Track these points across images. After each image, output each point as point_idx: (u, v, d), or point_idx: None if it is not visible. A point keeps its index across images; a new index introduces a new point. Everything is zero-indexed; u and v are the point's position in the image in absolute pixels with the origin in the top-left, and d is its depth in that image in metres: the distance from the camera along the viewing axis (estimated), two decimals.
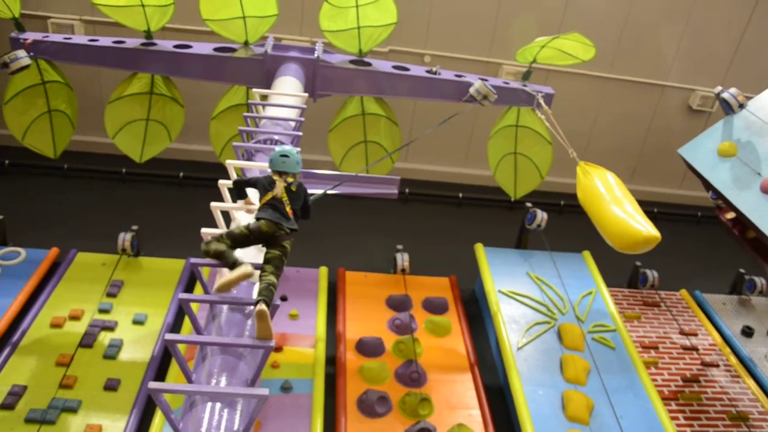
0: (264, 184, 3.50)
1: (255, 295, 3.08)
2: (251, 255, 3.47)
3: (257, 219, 3.34)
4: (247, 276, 3.10)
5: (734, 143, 5.58)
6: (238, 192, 3.75)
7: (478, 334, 6.91)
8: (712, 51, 9.54)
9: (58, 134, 6.47)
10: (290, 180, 3.52)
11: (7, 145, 7.60)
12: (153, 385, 2.70)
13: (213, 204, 3.73)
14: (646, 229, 4.48)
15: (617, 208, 4.72)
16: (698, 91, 9.68)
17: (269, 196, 3.42)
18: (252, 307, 3.21)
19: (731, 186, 5.40)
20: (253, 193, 3.74)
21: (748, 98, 5.72)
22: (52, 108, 6.34)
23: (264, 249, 3.34)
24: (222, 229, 3.65)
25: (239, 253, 3.23)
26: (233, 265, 3.12)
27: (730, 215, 6.05)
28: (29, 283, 6.44)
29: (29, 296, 6.35)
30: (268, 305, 2.97)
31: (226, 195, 3.98)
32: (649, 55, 9.50)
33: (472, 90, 6.12)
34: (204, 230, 3.58)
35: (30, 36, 5.92)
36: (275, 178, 3.51)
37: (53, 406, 5.21)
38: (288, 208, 3.42)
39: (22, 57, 5.66)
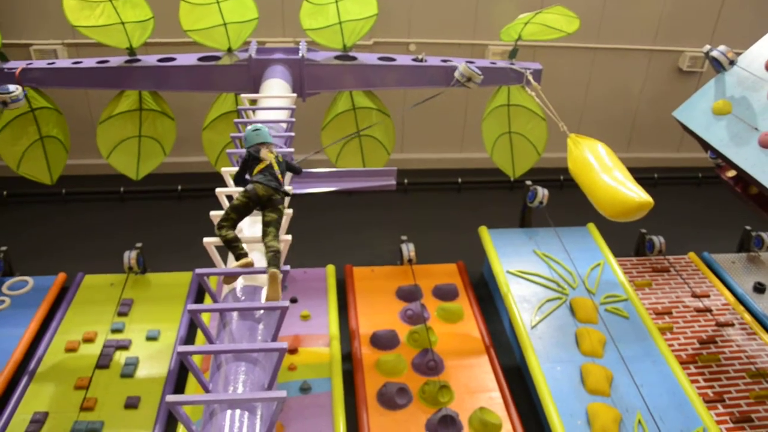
0: (254, 157, 3.76)
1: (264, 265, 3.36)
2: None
3: (253, 183, 3.58)
4: (249, 265, 3.32)
5: (728, 101, 5.54)
6: (243, 183, 3.95)
7: (490, 316, 6.92)
8: (698, 10, 9.48)
9: (52, 160, 6.47)
10: (275, 152, 3.83)
11: (4, 176, 7.62)
12: (171, 398, 2.70)
13: (213, 213, 3.73)
14: (637, 195, 4.44)
15: (607, 176, 4.69)
16: (687, 53, 9.64)
17: (263, 164, 3.68)
18: (262, 312, 3.28)
19: (729, 143, 5.37)
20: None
21: (738, 54, 5.68)
22: (43, 134, 6.33)
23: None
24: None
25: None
26: (238, 257, 3.34)
27: (731, 173, 6.02)
28: (40, 311, 6.46)
29: (41, 323, 6.37)
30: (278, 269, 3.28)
31: (225, 202, 3.98)
32: (635, 20, 9.45)
33: (456, 74, 6.09)
34: (206, 240, 3.58)
35: (19, 65, 5.91)
36: (261, 148, 3.79)
37: (76, 430, 5.23)
38: (280, 177, 3.71)
39: (21, 97, 5.46)
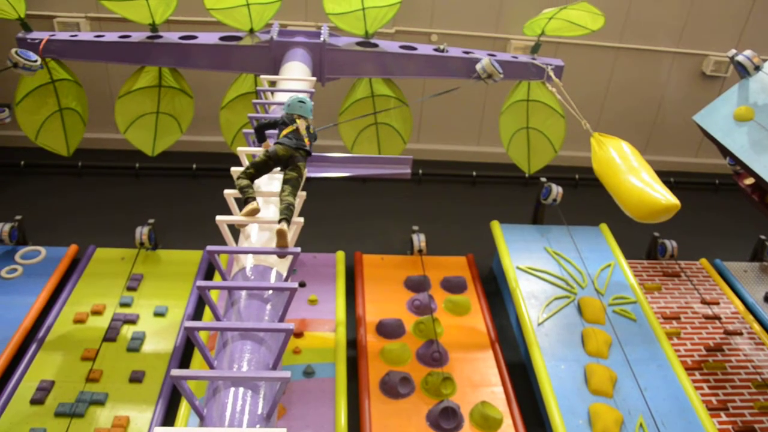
0: (284, 122, 3.93)
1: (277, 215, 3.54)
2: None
3: (276, 144, 3.77)
4: (255, 211, 3.49)
5: (750, 107, 5.47)
6: (259, 137, 4.17)
7: (497, 311, 6.91)
8: (725, 13, 9.34)
9: (70, 132, 6.51)
10: (308, 123, 3.97)
11: (22, 146, 7.66)
12: (176, 372, 2.72)
13: (226, 191, 3.74)
14: (664, 197, 4.42)
15: (634, 177, 4.65)
16: (711, 57, 9.51)
17: (290, 128, 3.86)
18: (270, 292, 3.29)
19: (749, 150, 5.31)
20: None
21: (765, 60, 5.60)
22: (62, 106, 6.37)
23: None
24: (237, 216, 3.68)
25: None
26: (246, 200, 3.51)
27: (749, 181, 5.95)
28: (51, 281, 6.52)
29: (51, 293, 6.43)
30: (288, 222, 3.43)
31: None
32: (659, 21, 9.33)
33: (478, 67, 6.07)
34: (219, 218, 3.60)
35: (42, 36, 5.94)
36: (296, 118, 3.94)
37: (81, 400, 5.29)
38: (306, 140, 3.86)
39: (35, 69, 5.62)
